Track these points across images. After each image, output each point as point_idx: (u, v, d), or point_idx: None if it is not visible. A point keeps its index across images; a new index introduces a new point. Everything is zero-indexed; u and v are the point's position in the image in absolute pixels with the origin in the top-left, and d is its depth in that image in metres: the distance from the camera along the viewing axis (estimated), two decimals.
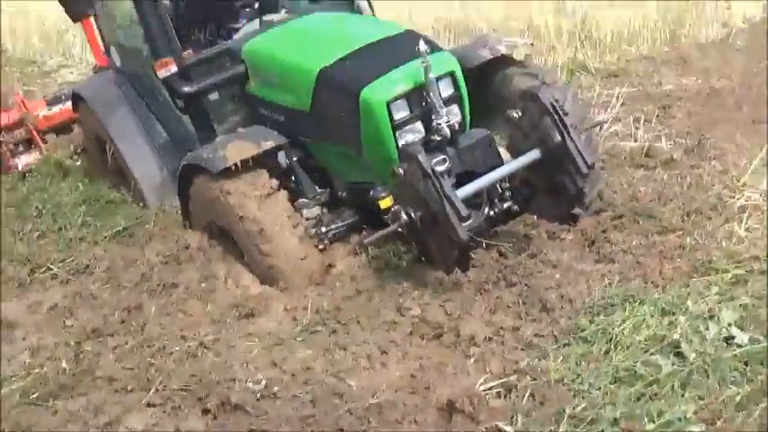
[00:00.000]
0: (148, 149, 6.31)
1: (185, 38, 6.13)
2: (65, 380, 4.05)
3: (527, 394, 3.64)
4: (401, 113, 4.54)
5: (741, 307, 3.93)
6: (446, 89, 4.64)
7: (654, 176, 5.72)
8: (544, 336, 4.06)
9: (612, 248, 4.68)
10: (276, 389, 3.90)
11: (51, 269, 5.63)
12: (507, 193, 4.74)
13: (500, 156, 4.77)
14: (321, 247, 5.16)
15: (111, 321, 4.78)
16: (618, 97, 7.53)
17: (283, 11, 6.38)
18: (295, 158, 5.24)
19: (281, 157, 5.28)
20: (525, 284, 4.51)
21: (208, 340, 4.49)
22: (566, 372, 3.77)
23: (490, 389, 3.77)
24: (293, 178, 5.25)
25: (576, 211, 4.95)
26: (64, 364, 4.19)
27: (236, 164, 4.73)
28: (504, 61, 5.26)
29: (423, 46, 4.36)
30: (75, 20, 5.59)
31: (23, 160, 8.02)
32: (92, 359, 4.30)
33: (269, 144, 4.89)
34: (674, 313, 3.99)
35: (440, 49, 4.80)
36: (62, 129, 8.12)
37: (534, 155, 4.62)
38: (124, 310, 4.89)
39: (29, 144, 8.17)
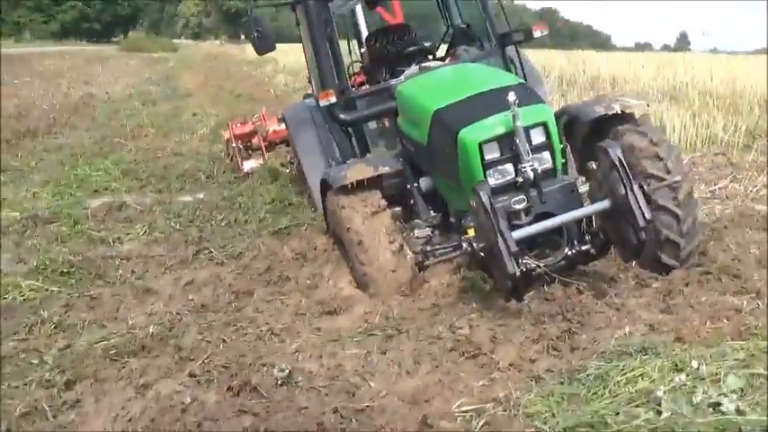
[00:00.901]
0: (323, 163, 7.17)
1: (373, 76, 7.19)
2: (147, 342, 4.94)
3: (482, 422, 3.70)
4: (492, 154, 5.05)
5: (752, 376, 3.54)
6: (537, 137, 5.10)
7: None
8: (553, 372, 4.15)
9: (681, 302, 4.79)
10: (300, 378, 4.37)
11: (212, 252, 6.74)
12: (587, 237, 5.13)
13: (581, 202, 5.14)
14: (426, 263, 5.57)
15: (221, 301, 5.67)
16: None
17: (448, 59, 7.03)
18: (416, 185, 5.93)
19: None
20: (579, 322, 4.70)
21: (278, 328, 5.12)
22: (542, 408, 3.75)
23: (465, 412, 3.89)
24: (412, 201, 5.96)
25: (670, 261, 5.27)
26: (151, 329, 5.12)
27: (352, 183, 5.48)
28: (622, 118, 5.64)
29: (512, 97, 4.81)
30: (259, 54, 6.65)
31: (250, 164, 9.56)
32: (179, 330, 5.17)
33: (384, 169, 5.61)
34: (681, 370, 3.75)
35: (537, 102, 5.25)
36: (287, 142, 9.50)
37: (603, 205, 4.99)
38: (234, 292, 5.76)
39: (252, 151, 9.72)
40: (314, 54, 6.62)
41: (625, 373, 3.85)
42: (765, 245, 5.80)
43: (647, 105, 6.05)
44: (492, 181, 5.10)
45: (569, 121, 5.98)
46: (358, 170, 5.63)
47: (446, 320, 4.97)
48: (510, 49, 6.75)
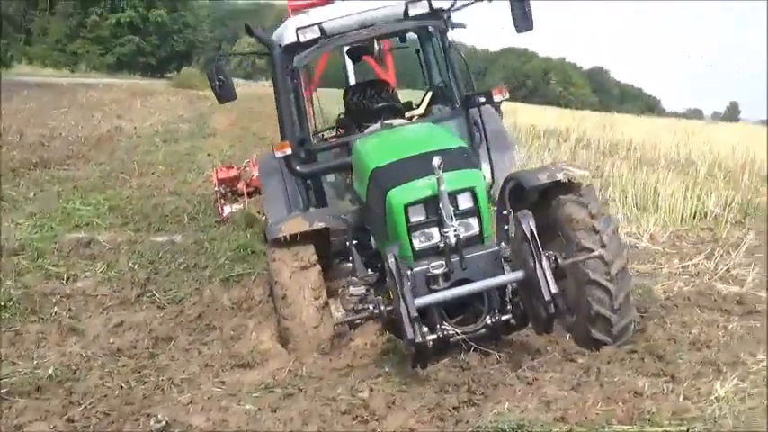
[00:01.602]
0: (285, 213, 7.21)
1: (347, 129, 7.26)
2: (43, 383, 5.07)
3: None
4: (417, 217, 5.17)
5: None
6: (464, 202, 5.22)
7: (722, 323, 5.77)
8: None
9: (593, 380, 4.77)
10: (177, 430, 4.46)
11: (155, 295, 6.91)
12: (508, 307, 5.18)
13: (504, 270, 5.16)
14: (357, 321, 5.58)
15: (139, 346, 5.80)
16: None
17: (415, 118, 7.06)
18: (355, 242, 5.92)
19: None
20: (482, 393, 4.71)
21: (180, 378, 5.22)
22: None
23: None
24: (351, 258, 5.96)
25: (602, 337, 5.28)
26: (51, 371, 5.25)
27: (285, 236, 5.55)
28: (566, 187, 5.59)
29: (436, 162, 4.91)
30: (221, 103, 6.79)
31: (229, 209, 9.75)
32: (82, 373, 5.32)
33: (319, 224, 5.66)
34: None
35: (468, 167, 5.34)
36: None
37: (517, 275, 5.04)
38: (154, 338, 5.89)
39: (237, 196, 9.92)
40: (276, 104, 6.74)
41: None
42: (709, 326, 5.79)
43: (590, 176, 5.96)
44: (417, 244, 5.22)
45: (516, 188, 5.90)
46: (293, 224, 5.72)
47: (351, 382, 5.02)
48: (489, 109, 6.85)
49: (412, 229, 5.20)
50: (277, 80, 6.48)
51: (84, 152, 16.73)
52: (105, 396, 4.92)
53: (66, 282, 7.44)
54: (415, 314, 4.78)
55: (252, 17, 60.63)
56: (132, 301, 6.86)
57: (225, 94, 6.49)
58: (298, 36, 6.33)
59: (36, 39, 58.87)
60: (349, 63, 9.97)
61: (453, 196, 5.16)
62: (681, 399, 4.52)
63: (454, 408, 4.54)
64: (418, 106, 7.59)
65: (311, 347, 5.53)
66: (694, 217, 9.79)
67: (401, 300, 4.81)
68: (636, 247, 8.65)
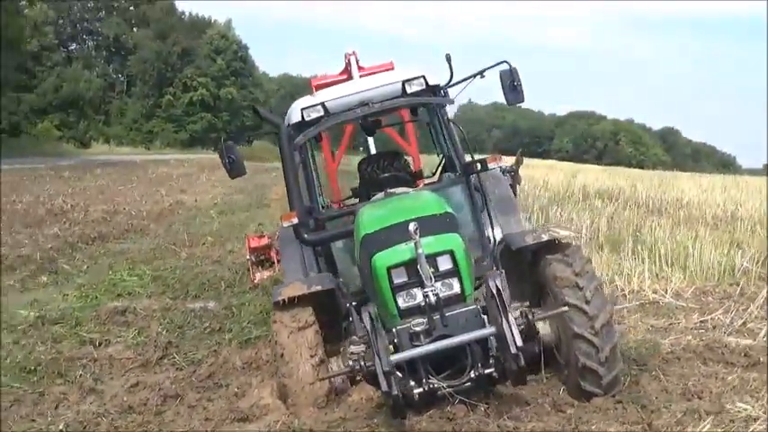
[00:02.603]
0: (301, 276, 7.77)
1: (360, 198, 7.81)
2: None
3: None
4: (400, 279, 5.63)
5: None
6: (444, 264, 5.67)
7: (721, 375, 6.12)
8: None
9: (573, 429, 5.18)
10: None
11: (175, 357, 7.48)
12: (491, 361, 5.54)
13: (483, 327, 5.55)
14: (358, 378, 6.09)
15: (149, 403, 6.34)
16: None
17: (421, 185, 7.63)
18: (354, 303, 6.33)
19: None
20: None
21: None
22: None
23: None
24: (350, 319, 6.42)
25: (592, 389, 5.65)
26: (61, 426, 5.87)
27: (284, 299, 6.09)
28: (555, 248, 6.05)
29: (412, 227, 5.41)
30: (232, 178, 7.40)
31: (261, 275, 10.35)
32: (94, 426, 5.91)
33: (316, 288, 6.13)
34: None
35: (448, 231, 5.80)
36: None
37: (489, 330, 5.45)
38: (164, 396, 6.43)
39: (269, 264, 10.53)
40: (284, 177, 7.33)
41: None
42: (707, 378, 6.11)
43: (575, 237, 6.35)
44: (402, 303, 5.69)
45: (507, 249, 6.35)
46: (292, 288, 6.24)
47: None
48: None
49: (396, 289, 5.66)
50: (284, 156, 6.96)
51: (143, 226, 17.73)
52: None
53: (99, 347, 8.06)
54: (388, 368, 5.19)
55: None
56: (153, 363, 7.42)
57: (235, 169, 7.11)
58: (302, 115, 6.97)
59: (114, 119, 62.48)
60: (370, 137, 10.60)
61: (433, 258, 5.62)
62: None
63: None
64: (433, 174, 8.05)
65: (308, 402, 5.95)
66: (723, 273, 9.84)
67: (375, 355, 5.26)
68: (658, 302, 8.82)
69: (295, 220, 6.70)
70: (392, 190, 7.26)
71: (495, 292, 5.39)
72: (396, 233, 5.76)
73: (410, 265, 5.62)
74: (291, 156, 6.96)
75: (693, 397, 5.78)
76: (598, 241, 11.88)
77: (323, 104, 7.00)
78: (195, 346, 7.86)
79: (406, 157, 8.79)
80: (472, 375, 5.56)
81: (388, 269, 5.64)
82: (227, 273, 11.68)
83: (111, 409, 6.24)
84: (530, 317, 5.62)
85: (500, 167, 9.58)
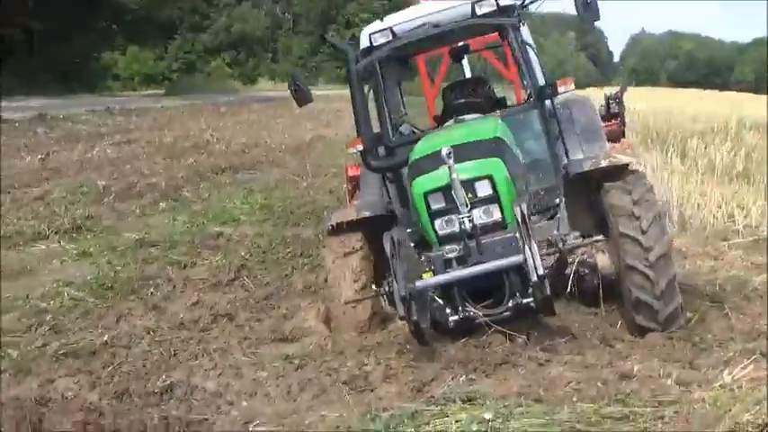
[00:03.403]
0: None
1: (440, 125, 7.64)
2: (98, 349, 6.00)
3: None
4: (438, 204, 5.59)
5: None
6: (483, 190, 5.59)
7: None
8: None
9: (606, 363, 4.98)
10: (176, 391, 5.15)
11: (244, 280, 7.72)
12: (529, 290, 5.33)
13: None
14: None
15: (200, 321, 6.62)
16: None
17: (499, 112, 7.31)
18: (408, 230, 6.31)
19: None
20: (484, 372, 4.99)
21: (214, 347, 5.98)
22: None
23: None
24: None
25: (648, 324, 5.44)
26: (105, 338, 6.24)
27: (333, 225, 6.24)
28: (615, 173, 5.81)
29: (444, 151, 5.29)
30: (299, 106, 7.44)
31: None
32: (138, 340, 6.25)
33: (365, 214, 6.25)
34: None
35: (489, 156, 5.68)
36: None
37: (517, 259, 5.22)
38: (215, 314, 6.76)
39: None
40: (352, 103, 7.32)
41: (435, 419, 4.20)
42: None
43: (638, 164, 5.93)
44: (440, 230, 5.64)
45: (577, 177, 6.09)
46: (342, 214, 6.40)
47: (364, 356, 5.47)
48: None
49: (434, 215, 5.63)
50: (352, 82, 6.94)
51: (277, 158, 18.33)
52: (144, 360, 5.70)
53: (184, 268, 8.45)
54: (404, 293, 5.13)
55: None
56: (224, 285, 7.69)
57: (301, 97, 7.16)
58: (371, 41, 7.00)
59: (281, 57, 64.72)
60: (465, 63, 10.29)
61: (471, 184, 5.53)
62: (672, 383, 4.49)
63: (452, 379, 4.82)
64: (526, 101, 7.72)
65: (349, 326, 6.02)
66: None
67: (393, 280, 5.22)
68: None
69: (360, 147, 6.76)
70: (462, 117, 7.17)
71: (519, 218, 5.15)
72: (437, 159, 5.65)
73: (447, 191, 5.52)
74: (358, 82, 6.93)
75: (759, 337, 5.31)
76: (731, 174, 10.99)
77: (391, 29, 6.98)
78: (268, 270, 8.02)
79: (491, 84, 8.54)
80: (510, 305, 5.42)
81: (425, 194, 5.62)
82: (335, 202, 11.81)
83: (164, 325, 6.52)
84: (560, 245, 5.41)
85: (607, 95, 9.21)
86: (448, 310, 5.51)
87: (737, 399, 4.18)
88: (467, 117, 7.17)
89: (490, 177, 5.58)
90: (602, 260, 5.99)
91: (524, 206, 5.21)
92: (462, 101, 7.65)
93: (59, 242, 9.81)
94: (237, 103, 35.32)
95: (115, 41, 52.80)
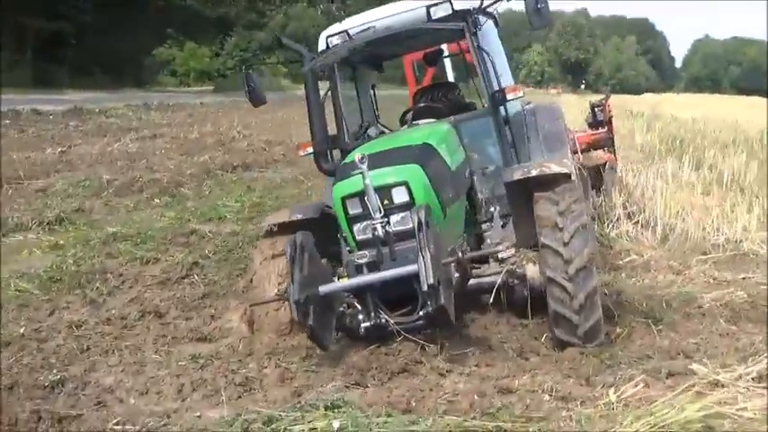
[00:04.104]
0: None
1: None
2: (14, 339, 6.14)
3: None
4: (355, 210, 5.62)
5: None
6: (399, 196, 5.59)
7: (739, 336, 5.67)
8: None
9: (499, 375, 5.03)
10: (64, 385, 5.25)
11: (195, 278, 7.79)
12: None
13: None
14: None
15: (128, 318, 6.70)
16: None
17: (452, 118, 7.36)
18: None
19: None
20: (378, 378, 5.06)
21: (127, 345, 6.06)
22: None
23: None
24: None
25: (567, 338, 5.39)
26: (21, 330, 6.35)
27: (269, 226, 6.36)
28: (547, 184, 5.76)
29: (357, 157, 5.31)
30: (255, 106, 7.60)
31: None
32: (56, 333, 6.35)
33: (297, 216, 6.28)
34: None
35: (407, 163, 5.70)
36: None
37: (410, 268, 5.19)
38: (143, 311, 6.84)
39: None
40: (307, 105, 7.40)
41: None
42: (721, 338, 5.65)
43: (567, 174, 5.83)
44: (357, 235, 5.67)
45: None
46: (277, 215, 6.51)
47: (269, 359, 5.54)
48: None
49: (351, 221, 5.65)
50: (306, 84, 7.17)
51: (294, 157, 18.29)
52: (52, 354, 5.79)
53: (146, 264, 8.55)
54: (296, 298, 5.15)
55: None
56: (173, 282, 7.75)
57: (254, 98, 7.40)
58: (327, 43, 7.20)
59: None
60: (447, 66, 10.33)
61: (388, 190, 5.54)
62: (551, 399, 4.49)
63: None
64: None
65: (270, 328, 6.05)
66: None
67: (290, 284, 5.24)
68: (749, 255, 8.10)
69: (310, 150, 7.12)
70: (416, 122, 7.38)
71: (416, 225, 5.11)
72: (351, 165, 5.68)
73: (364, 197, 5.51)
74: (312, 84, 7.17)
75: (678, 356, 5.21)
76: (732, 187, 10.70)
77: (347, 32, 7.16)
78: (220, 269, 8.07)
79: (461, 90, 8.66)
80: (422, 313, 5.38)
81: (343, 199, 5.64)
82: None
83: (92, 320, 6.61)
84: (461, 255, 5.37)
85: (592, 103, 9.10)
86: (361, 317, 5.50)
87: (608, 417, 4.13)
88: (421, 122, 7.34)
89: (406, 184, 5.57)
90: (533, 271, 5.87)
91: (422, 213, 5.14)
92: (422, 105, 7.90)
93: (38, 234, 10.03)
94: (279, 102, 35.60)
95: (167, 37, 53.88)
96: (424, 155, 5.85)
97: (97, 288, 7.58)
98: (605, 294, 6.06)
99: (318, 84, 7.54)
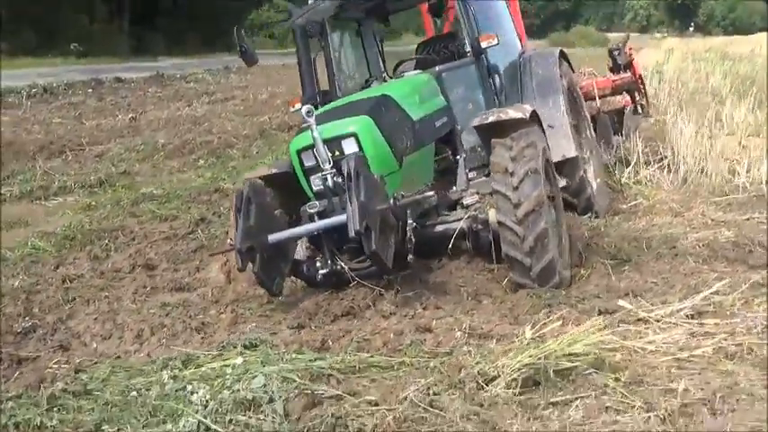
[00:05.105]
0: None
1: None
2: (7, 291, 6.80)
3: None
4: (309, 162, 5.87)
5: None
6: (349, 147, 5.77)
7: (706, 275, 5.72)
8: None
9: (436, 318, 5.25)
10: (34, 331, 5.82)
11: (200, 234, 8.28)
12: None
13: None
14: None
15: (122, 270, 7.24)
16: None
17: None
18: None
19: None
20: (322, 321, 5.41)
21: (105, 295, 6.62)
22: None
23: None
24: None
25: (522, 281, 5.64)
26: (17, 283, 6.98)
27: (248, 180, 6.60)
28: (501, 128, 6.08)
29: (303, 110, 5.57)
30: (248, 66, 7.63)
31: None
32: (48, 285, 6.95)
33: (273, 170, 6.63)
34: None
35: (358, 115, 5.95)
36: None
37: (343, 217, 5.37)
38: (134, 264, 7.38)
39: None
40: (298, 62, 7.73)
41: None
42: (686, 276, 5.69)
43: (522, 118, 6.04)
44: (314, 186, 5.90)
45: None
46: (254, 172, 6.94)
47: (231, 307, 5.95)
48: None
49: (307, 172, 5.91)
50: (295, 39, 7.47)
51: None
52: (39, 303, 6.39)
53: (164, 221, 9.11)
54: (239, 246, 5.47)
55: None
56: (179, 237, 8.25)
57: (247, 58, 7.52)
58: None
59: None
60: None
61: (338, 142, 5.75)
62: (461, 337, 4.75)
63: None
64: None
65: (244, 277, 6.34)
66: None
67: (235, 231, 5.58)
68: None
69: (298, 106, 7.09)
70: (403, 72, 7.68)
71: (346, 175, 5.32)
72: (322, 117, 5.99)
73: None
74: (302, 39, 7.45)
75: (627, 296, 5.27)
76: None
77: None
78: (223, 224, 8.47)
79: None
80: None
81: (298, 152, 5.91)
82: None
83: (87, 274, 7.19)
84: (393, 202, 5.53)
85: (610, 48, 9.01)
86: (318, 264, 5.80)
87: (508, 352, 4.29)
88: (406, 73, 7.56)
89: (354, 135, 5.78)
90: (495, 216, 6.01)
91: (352, 163, 5.35)
92: (413, 57, 8.21)
93: (78, 196, 10.77)
94: None
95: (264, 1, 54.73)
96: (377, 106, 6.07)
97: (106, 245, 8.14)
98: (570, 237, 6.19)
99: (309, 41, 7.80)
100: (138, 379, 4.50)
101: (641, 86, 10.98)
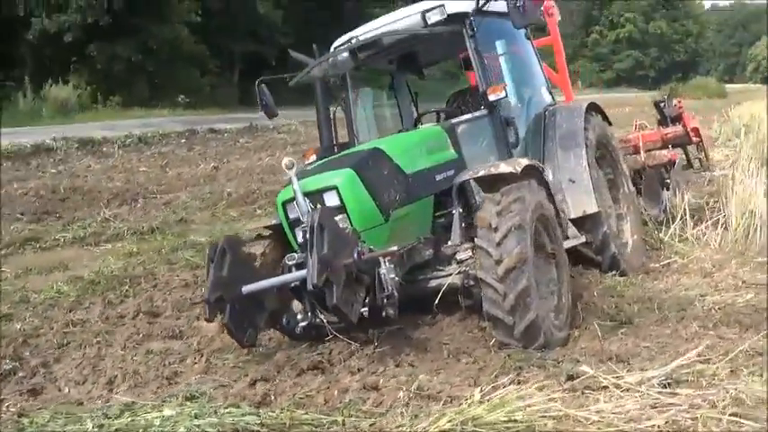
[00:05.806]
0: None
1: None
2: None
3: None
4: (293, 214, 5.91)
5: None
6: (331, 200, 5.81)
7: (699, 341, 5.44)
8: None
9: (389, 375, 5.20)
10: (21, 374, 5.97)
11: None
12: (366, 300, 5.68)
13: None
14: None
15: (126, 318, 7.36)
16: None
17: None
18: None
19: None
20: (287, 375, 5.42)
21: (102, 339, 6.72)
22: None
23: None
24: None
25: (506, 340, 5.51)
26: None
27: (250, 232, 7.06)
28: (492, 183, 6.07)
29: (285, 161, 5.66)
30: (269, 119, 8.00)
31: None
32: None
33: (272, 221, 6.69)
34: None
35: (342, 168, 5.95)
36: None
37: (299, 274, 5.46)
38: (139, 311, 7.45)
39: None
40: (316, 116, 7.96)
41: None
42: (686, 342, 5.40)
43: (497, 175, 5.96)
44: (299, 238, 5.87)
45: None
46: (257, 222, 7.20)
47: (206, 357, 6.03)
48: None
49: (292, 224, 5.96)
50: (316, 95, 7.70)
51: None
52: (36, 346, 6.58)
53: (193, 270, 9.18)
54: (207, 297, 5.54)
55: None
56: (196, 285, 8.28)
57: (267, 112, 7.82)
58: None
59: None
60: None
61: (320, 195, 5.79)
62: (403, 397, 4.61)
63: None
64: None
65: None
66: None
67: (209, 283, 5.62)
68: None
69: (313, 158, 7.47)
70: (421, 125, 7.91)
71: (309, 228, 5.28)
72: (309, 170, 6.20)
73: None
74: (322, 93, 7.76)
75: (611, 359, 5.03)
76: None
77: (350, 39, 7.59)
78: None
79: None
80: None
81: (283, 204, 6.01)
82: None
83: (92, 319, 7.40)
84: (356, 257, 5.41)
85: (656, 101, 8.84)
86: (299, 317, 5.81)
87: (439, 417, 4.11)
88: (422, 126, 7.84)
89: (336, 188, 5.77)
90: None
91: (316, 216, 5.29)
92: (433, 110, 8.33)
93: (127, 242, 11.08)
94: None
95: None
96: (364, 160, 6.06)
97: (126, 291, 8.29)
98: (564, 295, 5.99)
99: (328, 92, 7.91)
100: (71, 426, 4.50)
101: (698, 139, 10.44)
